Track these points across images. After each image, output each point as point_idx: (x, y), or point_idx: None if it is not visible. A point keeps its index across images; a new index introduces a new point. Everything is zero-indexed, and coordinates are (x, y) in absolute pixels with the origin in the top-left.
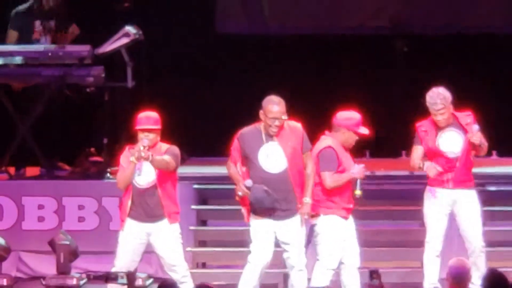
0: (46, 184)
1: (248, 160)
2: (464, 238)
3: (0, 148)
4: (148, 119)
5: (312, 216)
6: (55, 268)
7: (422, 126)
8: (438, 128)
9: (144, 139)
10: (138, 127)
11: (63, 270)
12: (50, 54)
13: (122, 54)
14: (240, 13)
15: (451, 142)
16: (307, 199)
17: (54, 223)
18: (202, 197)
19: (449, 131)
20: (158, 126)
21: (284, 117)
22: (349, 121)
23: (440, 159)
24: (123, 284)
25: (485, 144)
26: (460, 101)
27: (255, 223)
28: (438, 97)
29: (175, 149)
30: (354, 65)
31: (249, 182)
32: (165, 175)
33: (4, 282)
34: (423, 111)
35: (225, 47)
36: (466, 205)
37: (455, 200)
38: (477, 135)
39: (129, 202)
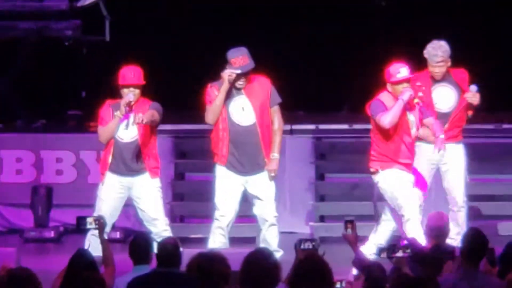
0: (24, 137)
1: None
2: (448, 191)
3: None
4: (133, 74)
5: (372, 173)
6: (33, 220)
7: (417, 79)
8: (432, 81)
9: (130, 94)
10: (123, 83)
11: (41, 223)
12: (27, 7)
13: (100, 8)
14: None
15: (444, 97)
16: (275, 155)
17: (32, 176)
18: (180, 151)
19: (443, 86)
20: (143, 81)
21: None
22: (386, 75)
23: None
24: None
25: None
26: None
27: (221, 176)
28: (440, 49)
29: (159, 105)
30: (331, 18)
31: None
32: (147, 130)
33: None
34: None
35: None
36: (454, 158)
37: (443, 153)
38: (476, 96)
39: (110, 156)
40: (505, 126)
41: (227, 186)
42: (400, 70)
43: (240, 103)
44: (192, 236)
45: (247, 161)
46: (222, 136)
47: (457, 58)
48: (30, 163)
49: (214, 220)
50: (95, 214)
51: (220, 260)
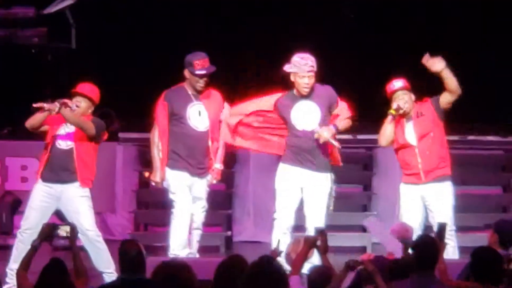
0: None
1: (175, 117)
2: (306, 216)
3: None
4: (86, 86)
5: None
6: None
7: (282, 100)
8: (295, 99)
9: (72, 103)
10: (74, 90)
11: (5, 230)
12: None
13: (67, 16)
14: None
15: (306, 115)
16: (218, 165)
17: None
18: (145, 159)
19: (305, 101)
20: (93, 97)
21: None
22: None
23: (297, 134)
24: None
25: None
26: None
27: (173, 175)
28: (309, 58)
29: (100, 120)
30: (301, 30)
31: (166, 184)
32: (83, 140)
33: None
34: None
35: (169, 9)
36: (314, 183)
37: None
38: (323, 136)
39: (44, 163)
40: (470, 137)
41: (182, 184)
42: (394, 83)
43: (197, 108)
44: (156, 244)
45: (196, 163)
46: (177, 139)
47: (421, 70)
48: None
49: (174, 218)
50: (23, 222)
51: (186, 268)
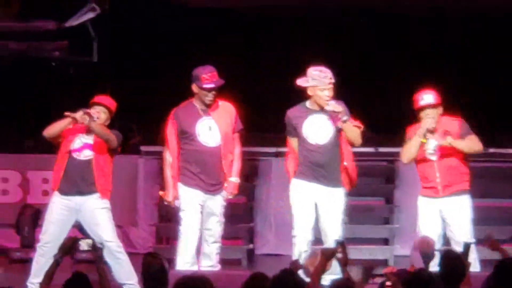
0: (11, 157)
1: (185, 135)
2: (322, 231)
3: None
4: (105, 97)
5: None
6: (19, 241)
7: (294, 111)
8: (308, 112)
9: (94, 114)
10: (93, 100)
11: (27, 243)
12: (15, 27)
13: (88, 29)
14: None
15: (321, 129)
16: (234, 179)
17: (18, 196)
18: None
19: (318, 115)
20: (112, 108)
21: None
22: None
23: (309, 148)
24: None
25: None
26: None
27: (185, 192)
28: (327, 71)
29: (119, 133)
30: (312, 39)
31: (178, 203)
32: (102, 151)
33: None
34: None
35: (190, 21)
36: (329, 198)
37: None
38: (336, 106)
39: (61, 174)
40: (491, 150)
41: (193, 201)
42: (424, 96)
43: (207, 124)
44: None
45: (208, 180)
46: (188, 156)
47: (444, 81)
48: (16, 183)
49: (180, 234)
50: (41, 235)
51: (206, 282)
